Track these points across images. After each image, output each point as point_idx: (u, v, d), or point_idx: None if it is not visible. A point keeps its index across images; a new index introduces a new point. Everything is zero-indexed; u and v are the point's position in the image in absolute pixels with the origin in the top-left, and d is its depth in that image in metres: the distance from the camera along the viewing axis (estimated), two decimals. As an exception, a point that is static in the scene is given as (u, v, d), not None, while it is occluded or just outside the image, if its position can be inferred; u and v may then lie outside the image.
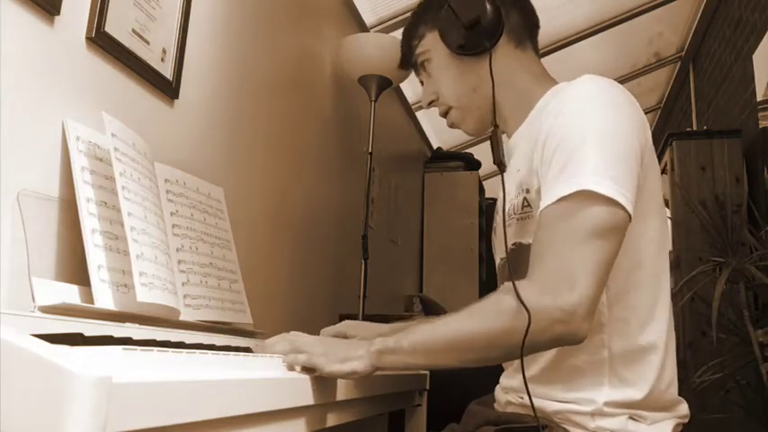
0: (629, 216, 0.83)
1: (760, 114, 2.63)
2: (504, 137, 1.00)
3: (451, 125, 1.13)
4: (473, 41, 1.01)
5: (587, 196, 0.81)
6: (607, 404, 0.87)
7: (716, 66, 3.37)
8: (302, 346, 0.86)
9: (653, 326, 0.91)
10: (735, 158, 2.74)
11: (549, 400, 0.90)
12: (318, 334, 1.18)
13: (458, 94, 1.07)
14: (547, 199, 0.85)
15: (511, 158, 1.04)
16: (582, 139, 0.84)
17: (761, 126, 2.62)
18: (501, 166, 0.91)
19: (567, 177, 0.83)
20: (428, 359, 0.86)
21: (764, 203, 2.57)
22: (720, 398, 2.14)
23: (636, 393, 0.87)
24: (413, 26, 1.12)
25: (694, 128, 3.58)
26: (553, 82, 1.04)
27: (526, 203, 0.94)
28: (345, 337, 1.16)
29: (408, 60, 1.14)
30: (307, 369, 0.82)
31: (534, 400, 0.91)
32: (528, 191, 0.93)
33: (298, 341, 0.89)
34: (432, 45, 1.08)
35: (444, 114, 1.12)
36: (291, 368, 0.81)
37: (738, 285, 2.13)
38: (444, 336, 0.85)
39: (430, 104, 1.12)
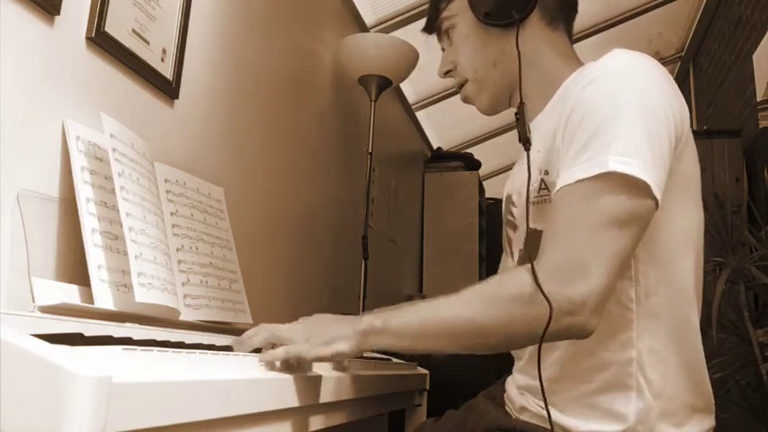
0: (656, 203, 0.76)
1: (760, 114, 2.63)
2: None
3: (465, 99, 1.07)
4: (501, 11, 0.96)
5: (612, 178, 0.74)
6: (639, 422, 0.80)
7: (716, 66, 3.37)
8: (282, 335, 0.79)
9: (686, 323, 0.85)
10: (735, 158, 2.74)
11: (573, 418, 0.83)
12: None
13: (476, 66, 1.02)
14: (566, 178, 0.78)
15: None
16: (611, 113, 0.77)
17: (761, 126, 2.61)
18: (527, 144, 0.86)
19: (590, 157, 0.76)
20: (418, 342, 0.80)
21: (764, 203, 2.57)
22: (720, 398, 2.14)
23: (666, 396, 0.81)
24: None
25: (694, 128, 3.58)
26: (581, 64, 0.97)
27: (543, 186, 0.87)
28: None
29: (432, 24, 1.08)
30: (287, 365, 0.76)
31: (553, 413, 0.83)
32: (547, 172, 0.87)
33: (277, 330, 0.81)
34: (458, 10, 1.02)
35: (460, 87, 1.06)
36: (272, 367, 0.75)
37: (738, 285, 2.13)
38: (439, 319, 0.79)
39: (446, 74, 1.07)
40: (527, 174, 0.86)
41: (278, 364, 0.76)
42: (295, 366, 0.78)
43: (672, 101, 0.82)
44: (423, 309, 0.81)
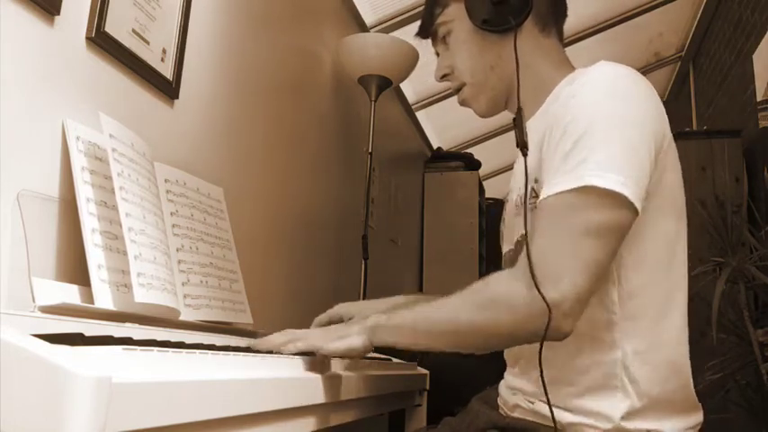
0: (636, 211, 0.80)
1: (760, 114, 2.63)
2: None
3: (462, 102, 1.09)
4: (499, 17, 0.98)
5: (589, 192, 0.78)
6: (624, 418, 0.83)
7: (716, 66, 3.37)
8: (301, 335, 0.88)
9: (669, 324, 0.87)
10: (735, 158, 2.74)
11: (562, 410, 0.86)
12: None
13: (474, 70, 1.04)
14: (547, 189, 0.82)
15: None
16: (589, 127, 0.81)
17: (761, 126, 2.61)
18: (524, 148, 0.88)
19: (570, 169, 0.80)
20: (415, 340, 0.89)
21: (764, 203, 2.57)
22: (720, 398, 2.14)
23: (651, 396, 0.84)
24: None
25: (694, 128, 3.58)
26: (572, 69, 1.00)
27: (534, 194, 0.91)
28: (340, 320, 1.17)
29: (427, 29, 1.09)
30: (314, 369, 0.84)
31: (545, 407, 0.85)
32: (537, 180, 0.90)
33: (297, 331, 0.91)
34: (455, 15, 1.04)
35: (457, 90, 1.08)
36: (293, 354, 0.84)
37: (738, 285, 2.13)
38: (434, 320, 0.86)
39: (443, 78, 1.09)
40: (524, 179, 0.89)
41: (299, 345, 0.84)
42: (318, 366, 0.85)
43: (652, 113, 0.86)
44: (420, 310, 0.89)
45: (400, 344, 0.88)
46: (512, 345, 0.82)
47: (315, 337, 0.85)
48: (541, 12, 1.02)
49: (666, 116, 0.89)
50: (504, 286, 0.81)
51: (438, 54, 1.11)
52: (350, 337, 0.86)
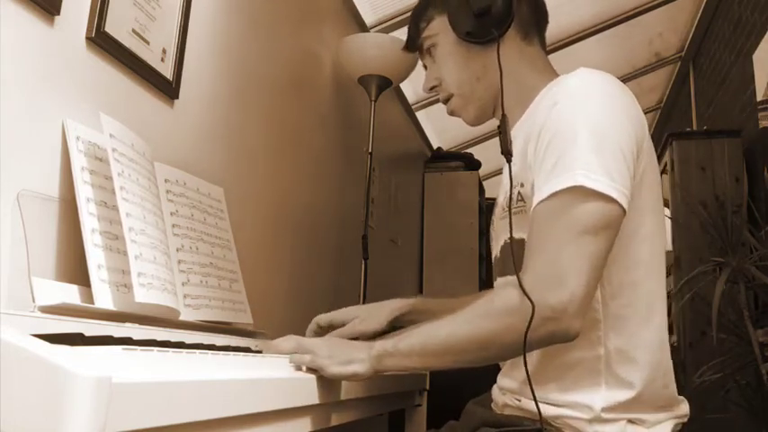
0: (624, 210, 0.83)
1: (760, 114, 2.63)
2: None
3: (451, 113, 1.12)
4: (481, 29, 1.00)
5: (580, 192, 0.81)
6: (605, 410, 0.86)
7: (716, 66, 3.37)
8: (308, 347, 0.87)
9: (650, 324, 0.90)
10: (735, 158, 2.74)
11: (546, 404, 0.88)
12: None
13: (460, 82, 1.07)
14: (540, 194, 0.85)
15: None
16: (575, 133, 0.84)
17: (761, 126, 2.62)
18: (508, 155, 0.91)
19: (560, 172, 0.83)
20: (424, 361, 0.88)
21: (764, 203, 2.57)
22: (720, 398, 2.14)
23: (633, 393, 0.87)
24: (422, 9, 1.10)
25: (694, 128, 3.58)
26: (555, 76, 1.03)
27: (520, 198, 0.94)
28: (342, 324, 1.17)
29: (414, 43, 1.12)
30: (311, 369, 0.84)
31: (530, 402, 0.91)
32: (522, 185, 0.93)
33: (304, 341, 0.91)
34: (439, 29, 1.06)
35: (445, 101, 1.11)
36: (298, 368, 0.83)
37: (738, 285, 2.13)
38: (439, 339, 0.86)
39: (431, 89, 1.12)
40: (509, 184, 0.92)
41: (303, 368, 0.83)
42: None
43: (632, 118, 0.88)
44: (426, 330, 0.87)
45: (408, 368, 0.88)
46: (527, 351, 0.82)
47: (321, 356, 0.84)
48: (523, 21, 1.04)
49: (644, 116, 0.93)
50: (514, 295, 0.81)
51: (426, 67, 1.13)
52: (354, 364, 0.85)
